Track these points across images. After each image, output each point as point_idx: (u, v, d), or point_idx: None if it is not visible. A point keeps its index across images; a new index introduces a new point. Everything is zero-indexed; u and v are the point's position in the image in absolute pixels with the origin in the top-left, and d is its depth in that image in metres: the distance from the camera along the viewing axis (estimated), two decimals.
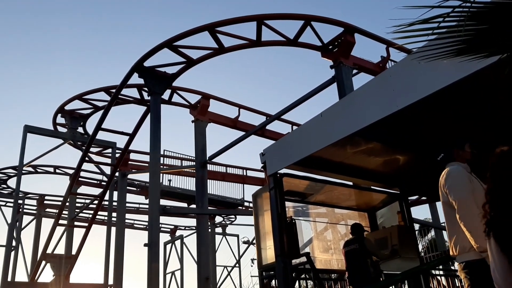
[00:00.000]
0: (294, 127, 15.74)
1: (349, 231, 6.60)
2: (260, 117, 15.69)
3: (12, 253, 19.04)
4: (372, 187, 7.24)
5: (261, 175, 21.95)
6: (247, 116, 15.70)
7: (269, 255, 5.82)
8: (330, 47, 10.79)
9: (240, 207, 23.46)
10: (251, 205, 23.11)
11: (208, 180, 15.93)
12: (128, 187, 19.54)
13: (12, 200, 23.20)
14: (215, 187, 21.61)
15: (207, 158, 14.91)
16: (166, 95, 14.26)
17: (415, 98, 3.98)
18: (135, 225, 26.54)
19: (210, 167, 18.55)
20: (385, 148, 5.97)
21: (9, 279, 16.55)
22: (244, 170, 22.07)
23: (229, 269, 28.82)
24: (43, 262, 14.81)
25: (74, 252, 15.37)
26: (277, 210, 5.64)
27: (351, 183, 7.03)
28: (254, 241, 25.46)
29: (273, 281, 6.06)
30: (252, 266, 30.53)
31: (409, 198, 7.87)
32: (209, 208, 17.07)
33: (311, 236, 7.31)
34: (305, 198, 6.79)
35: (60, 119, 16.43)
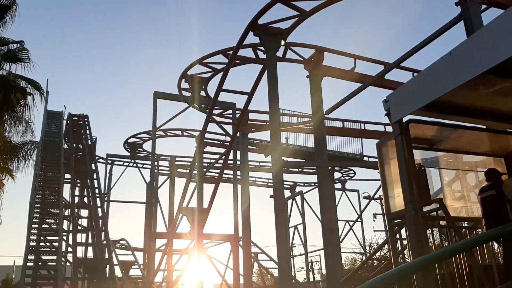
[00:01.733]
0: (416, 75, 14.89)
1: (483, 178, 6.22)
2: (378, 67, 15.10)
3: (152, 208, 21.26)
4: (508, 130, 6.68)
5: (380, 128, 21.31)
6: (364, 66, 15.18)
7: (398, 203, 5.74)
8: None
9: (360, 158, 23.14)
10: (371, 159, 22.72)
11: (326, 136, 15.94)
12: (249, 146, 20.33)
13: (149, 162, 25.70)
14: (333, 143, 21.54)
15: (324, 113, 14.85)
16: (280, 52, 14.36)
17: None
18: (257, 182, 27.69)
19: (327, 123, 18.48)
20: None
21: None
22: (362, 124, 21.57)
23: (351, 223, 28.98)
24: (180, 215, 16.32)
25: (205, 206, 16.63)
26: (405, 157, 5.50)
27: (484, 127, 6.55)
28: (376, 195, 25.06)
29: (403, 229, 5.99)
30: (374, 221, 30.33)
31: None
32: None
33: (442, 184, 7.02)
34: (433, 145, 6.49)
35: (184, 84, 17.50)
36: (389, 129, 19.58)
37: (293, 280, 21.82)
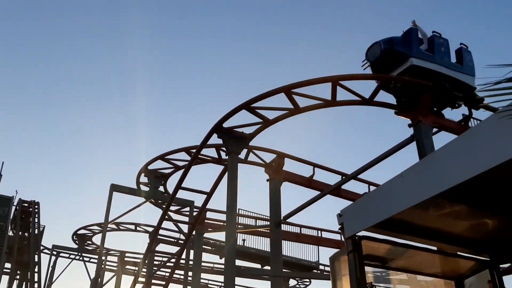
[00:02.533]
0: (372, 187, 15.32)
1: None
2: (336, 176, 15.49)
3: None
4: (458, 253, 6.75)
5: (337, 236, 21.28)
6: (322, 175, 15.54)
7: None
8: (408, 105, 10.62)
9: (315, 270, 22.74)
10: (326, 268, 22.38)
11: (282, 242, 15.73)
12: (204, 246, 19.76)
13: (96, 256, 24.37)
14: (289, 248, 21.23)
15: (282, 218, 14.80)
16: (242, 154, 14.62)
17: (503, 158, 3.76)
18: (209, 285, 26.51)
19: (284, 227, 18.36)
20: (472, 210, 5.60)
21: None
22: (319, 231, 21.54)
23: None
24: None
25: None
26: (356, 275, 5.39)
27: (435, 248, 6.61)
28: None
29: None
30: None
31: (501, 266, 7.21)
32: (284, 270, 16.71)
33: None
34: (385, 263, 6.43)
35: (143, 178, 17.30)
36: (342, 236, 19.63)
37: None
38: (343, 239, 19.85)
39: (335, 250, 6.97)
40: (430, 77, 10.33)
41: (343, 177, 14.71)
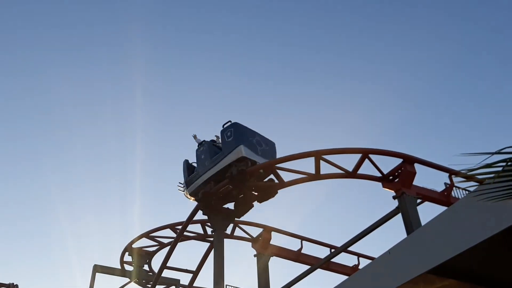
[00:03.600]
0: (361, 259, 15.13)
1: None
2: (324, 249, 15.31)
3: None
4: None
5: None
6: (311, 248, 15.36)
7: None
8: (391, 177, 10.83)
9: None
10: None
11: None
12: None
13: None
14: None
15: None
16: (228, 229, 14.45)
17: (485, 236, 3.87)
18: None
19: None
20: (461, 284, 5.61)
21: None
22: None
23: None
24: None
25: None
26: None
27: None
28: None
29: None
30: None
31: None
32: None
33: None
34: None
35: (127, 257, 16.84)
36: None
37: None
38: None
39: None
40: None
41: (332, 250, 14.56)
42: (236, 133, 12.37)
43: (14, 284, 22.02)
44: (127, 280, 17.34)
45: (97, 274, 17.56)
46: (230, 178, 11.63)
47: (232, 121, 12.81)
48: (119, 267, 17.09)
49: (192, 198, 12.72)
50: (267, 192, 12.20)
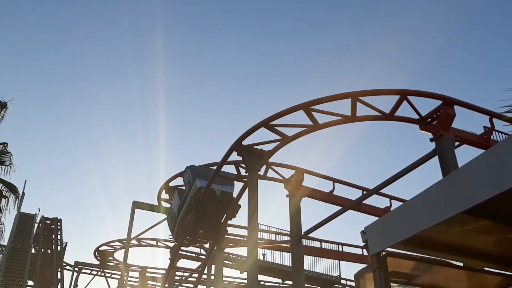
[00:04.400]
0: (393, 201, 15.20)
1: None
2: (356, 191, 15.43)
3: None
4: (485, 268, 6.67)
5: (358, 251, 21.10)
6: (342, 190, 15.49)
7: None
8: (429, 120, 10.59)
9: (337, 285, 22.50)
10: (348, 282, 22.12)
11: (303, 256, 15.64)
12: (224, 261, 19.75)
13: (118, 272, 24.57)
14: (310, 263, 21.07)
15: (303, 233, 14.76)
16: (261, 170, 14.66)
17: None
18: None
19: (305, 242, 18.25)
20: (499, 226, 5.57)
21: None
22: (340, 246, 21.35)
23: None
24: None
25: None
26: None
27: (461, 264, 6.55)
28: None
29: None
30: None
31: None
32: (305, 285, 16.59)
33: None
34: (411, 280, 6.40)
35: (165, 195, 17.46)
36: (367, 253, 19.40)
37: None
38: (365, 253, 19.69)
39: (357, 264, 6.93)
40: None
41: (364, 192, 14.65)
42: (192, 172, 14.92)
43: (58, 218, 23.34)
44: (164, 216, 18.11)
45: (136, 210, 18.42)
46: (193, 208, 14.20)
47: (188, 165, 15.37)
48: (157, 204, 17.80)
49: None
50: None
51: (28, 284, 18.18)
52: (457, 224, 5.49)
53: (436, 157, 10.11)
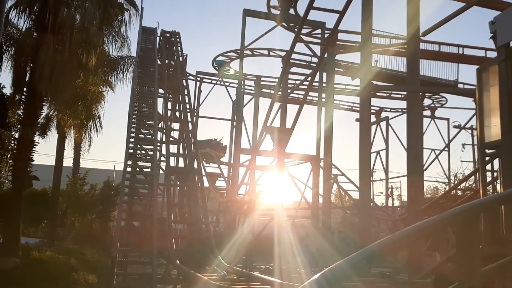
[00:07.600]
0: None
1: None
2: None
3: (238, 126, 22.06)
4: None
5: (481, 53, 19.70)
6: None
7: (494, 132, 5.49)
8: None
9: None
10: (466, 86, 21.34)
11: (420, 60, 15.07)
12: (335, 68, 19.88)
13: (235, 81, 26.24)
14: (425, 68, 20.40)
15: (420, 34, 13.94)
16: None
17: None
18: (341, 106, 27.33)
19: (421, 45, 17.37)
20: None
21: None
22: (461, 48, 20.03)
23: (437, 152, 28.10)
24: (264, 133, 16.81)
25: (289, 126, 16.92)
26: (508, 84, 5.18)
27: None
28: (467, 125, 23.96)
29: (496, 160, 5.78)
30: (463, 151, 29.14)
31: None
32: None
33: None
34: None
35: (274, 1, 17.17)
36: (491, 54, 18.08)
37: (371, 204, 22.06)
38: (488, 55, 18.38)
39: (477, 67, 6.57)
40: None
41: None
42: None
43: (176, 31, 24.39)
44: (274, 24, 18.11)
45: (247, 19, 18.58)
46: None
47: None
48: (266, 11, 17.70)
49: None
50: None
51: (159, 92, 20.23)
52: None
53: None
